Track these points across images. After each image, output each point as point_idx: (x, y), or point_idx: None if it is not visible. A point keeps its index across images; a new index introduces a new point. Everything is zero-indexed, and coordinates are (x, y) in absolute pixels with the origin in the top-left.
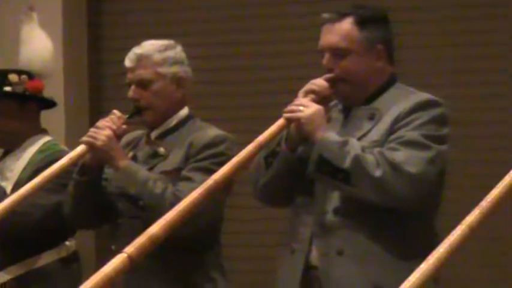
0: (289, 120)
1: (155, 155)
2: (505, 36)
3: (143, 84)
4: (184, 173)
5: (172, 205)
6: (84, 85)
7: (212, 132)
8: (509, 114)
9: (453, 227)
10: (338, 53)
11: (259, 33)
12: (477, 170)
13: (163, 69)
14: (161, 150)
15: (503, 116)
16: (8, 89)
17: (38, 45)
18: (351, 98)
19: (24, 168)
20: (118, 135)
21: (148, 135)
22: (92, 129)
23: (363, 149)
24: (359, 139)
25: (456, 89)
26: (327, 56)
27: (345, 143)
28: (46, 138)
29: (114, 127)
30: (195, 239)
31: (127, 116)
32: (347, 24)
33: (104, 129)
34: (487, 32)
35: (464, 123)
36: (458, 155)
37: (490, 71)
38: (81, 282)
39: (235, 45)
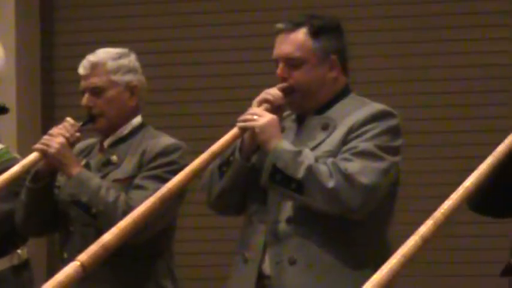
0: (243, 130)
1: (108, 163)
2: (456, 45)
3: (97, 91)
4: (137, 181)
5: (124, 213)
6: (36, 92)
7: (165, 140)
8: (462, 121)
9: (407, 236)
10: (292, 63)
11: (214, 40)
12: (430, 179)
13: (117, 77)
14: (114, 158)
15: (456, 124)
16: None
17: None
18: (305, 108)
19: None
20: (71, 143)
21: (101, 143)
22: (45, 137)
23: (316, 159)
24: (312, 149)
25: (409, 98)
26: (281, 65)
27: (298, 153)
28: None
29: (67, 135)
30: (147, 247)
31: (80, 123)
32: (301, 35)
33: (57, 136)
34: (439, 42)
35: (415, 132)
36: (411, 165)
37: (442, 80)
38: None
39: (189, 52)
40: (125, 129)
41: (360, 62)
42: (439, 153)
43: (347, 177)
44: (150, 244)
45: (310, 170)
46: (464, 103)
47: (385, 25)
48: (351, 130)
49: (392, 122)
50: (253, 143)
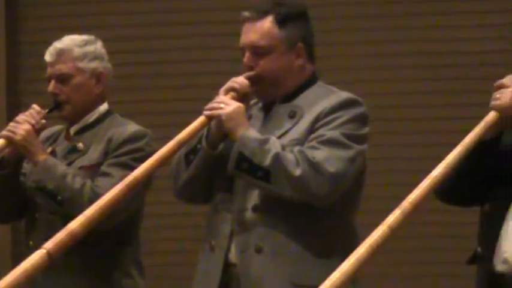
0: (209, 118)
1: (74, 150)
2: (423, 33)
3: (63, 78)
4: (103, 168)
5: (90, 200)
6: (1, 78)
7: (131, 128)
8: (430, 109)
9: (375, 224)
10: (258, 51)
11: (180, 27)
12: (399, 166)
13: (83, 64)
14: (80, 145)
15: (425, 112)
16: None
17: None
18: (271, 96)
19: None
20: (37, 130)
21: (67, 130)
22: (11, 124)
23: (283, 148)
24: (279, 137)
25: (377, 85)
26: (247, 54)
27: (265, 141)
28: None
29: (33, 122)
30: (114, 234)
31: (46, 110)
32: (267, 23)
33: (23, 123)
34: (408, 29)
35: (382, 119)
36: (380, 152)
37: (410, 67)
38: None
39: (155, 39)
40: (91, 117)
41: (328, 49)
42: (406, 141)
43: (314, 165)
44: (116, 232)
45: (277, 158)
46: (432, 90)
47: (352, 12)
48: (317, 118)
49: (358, 110)
50: (220, 131)
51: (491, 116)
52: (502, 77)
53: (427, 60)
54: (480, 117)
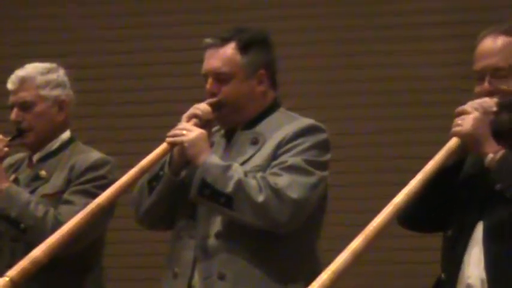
0: (172, 144)
1: (37, 177)
2: (378, 58)
3: (25, 106)
4: (65, 196)
5: (53, 228)
6: None
7: (94, 155)
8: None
9: (337, 250)
10: (221, 77)
11: (142, 54)
12: (359, 193)
13: (46, 92)
14: (43, 173)
15: (385, 138)
16: None
17: None
18: (234, 123)
19: None
20: (0, 158)
21: (30, 158)
22: None
23: (246, 174)
24: (242, 164)
25: (337, 111)
26: (210, 80)
27: (228, 168)
28: None
29: None
30: (76, 261)
31: (9, 138)
32: (229, 49)
33: None
34: (369, 54)
35: (344, 146)
36: (340, 179)
37: (371, 93)
38: None
39: (118, 66)
40: (54, 144)
41: (289, 75)
42: (368, 167)
43: (276, 192)
44: (79, 259)
45: (239, 184)
46: (392, 116)
47: (314, 38)
48: (280, 145)
49: (320, 137)
50: (182, 158)
51: (453, 142)
52: (456, 102)
53: (386, 85)
54: (435, 142)
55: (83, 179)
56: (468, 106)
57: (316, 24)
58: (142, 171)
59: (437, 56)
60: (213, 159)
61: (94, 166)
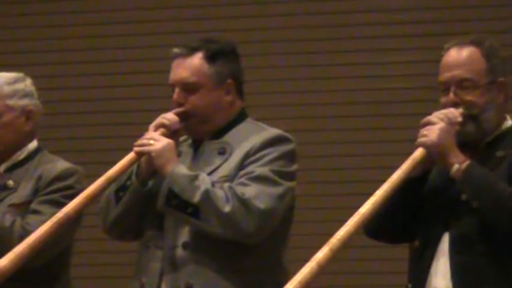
0: (139, 154)
1: (4, 187)
2: (346, 70)
3: None
4: (33, 206)
5: (21, 238)
6: None
7: (61, 165)
8: (358, 145)
9: (303, 260)
10: (188, 87)
11: (110, 64)
12: (325, 203)
13: (13, 102)
14: (10, 183)
15: (352, 148)
16: None
17: None
18: (201, 133)
19: None
20: None
21: None
22: None
23: (213, 184)
24: (209, 174)
25: (303, 121)
26: (177, 90)
27: (195, 178)
28: None
29: None
30: (43, 271)
31: None
32: (197, 59)
33: None
34: (333, 66)
35: (311, 156)
36: (307, 189)
37: (337, 104)
38: None
39: (85, 76)
40: (21, 154)
41: (256, 86)
42: (333, 177)
43: (243, 202)
44: (46, 269)
45: (206, 194)
46: (359, 127)
47: (279, 48)
48: (247, 155)
49: (288, 147)
50: (149, 168)
51: (419, 153)
52: (425, 113)
53: (350, 97)
54: (404, 154)
55: (50, 188)
56: (433, 117)
57: (280, 35)
58: (110, 181)
59: (401, 67)
60: (180, 169)
61: (62, 176)
